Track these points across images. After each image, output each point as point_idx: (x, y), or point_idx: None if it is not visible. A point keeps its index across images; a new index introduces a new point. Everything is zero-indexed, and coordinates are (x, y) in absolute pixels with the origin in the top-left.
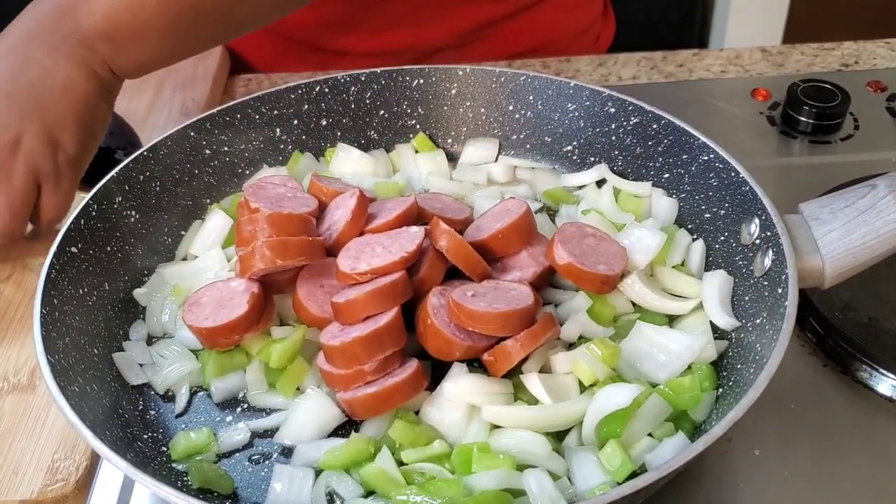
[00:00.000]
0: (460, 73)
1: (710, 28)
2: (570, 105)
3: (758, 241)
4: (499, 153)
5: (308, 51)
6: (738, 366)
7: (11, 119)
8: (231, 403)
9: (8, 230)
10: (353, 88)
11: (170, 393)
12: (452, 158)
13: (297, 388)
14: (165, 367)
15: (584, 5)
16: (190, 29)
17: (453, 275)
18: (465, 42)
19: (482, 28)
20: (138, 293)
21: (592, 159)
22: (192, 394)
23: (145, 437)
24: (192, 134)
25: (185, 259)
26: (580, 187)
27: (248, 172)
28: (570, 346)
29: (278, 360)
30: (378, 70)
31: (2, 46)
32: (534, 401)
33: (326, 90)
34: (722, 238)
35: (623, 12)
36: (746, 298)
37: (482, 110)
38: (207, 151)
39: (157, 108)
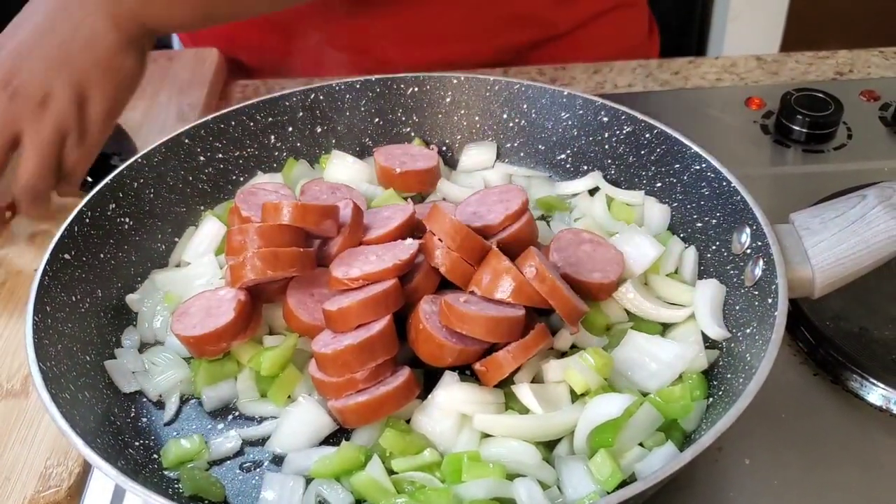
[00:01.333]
0: (454, 81)
1: (709, 35)
2: (563, 114)
3: (749, 251)
4: (495, 159)
5: (356, 55)
6: (729, 375)
7: (41, 73)
8: (222, 411)
9: (33, 183)
10: (348, 96)
11: (162, 400)
12: (447, 165)
13: (289, 397)
14: (157, 374)
15: (630, 28)
16: None
17: (446, 286)
18: (505, 61)
19: (529, 49)
20: (131, 299)
21: (586, 168)
22: (184, 402)
23: (137, 444)
24: (186, 141)
25: (178, 266)
26: (573, 195)
27: (242, 179)
28: (563, 354)
29: (269, 367)
30: (373, 78)
31: (33, 2)
32: (525, 410)
33: (321, 97)
34: (713, 247)
35: None
36: (737, 308)
37: (476, 118)
38: (202, 158)
39: (154, 113)
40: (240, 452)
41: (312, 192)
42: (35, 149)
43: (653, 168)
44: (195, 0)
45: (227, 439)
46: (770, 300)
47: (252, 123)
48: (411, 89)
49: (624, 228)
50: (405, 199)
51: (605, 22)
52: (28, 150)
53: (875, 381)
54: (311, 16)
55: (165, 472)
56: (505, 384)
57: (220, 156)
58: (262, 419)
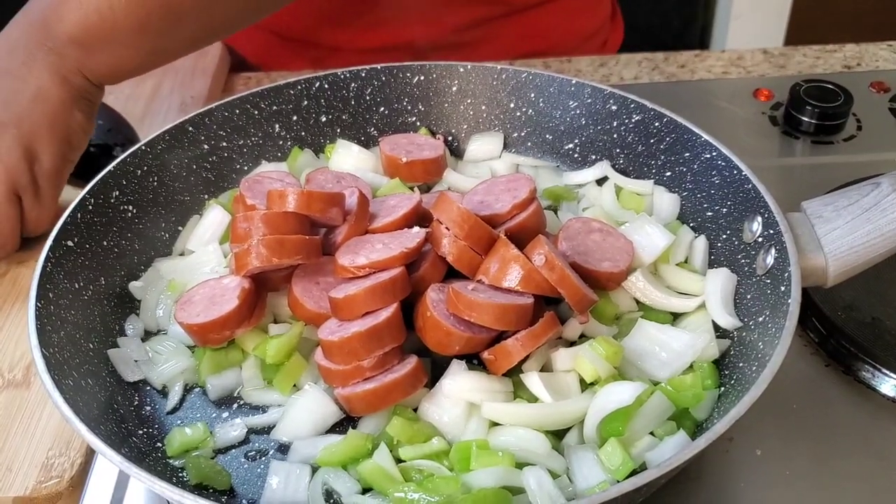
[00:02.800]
0: (461, 70)
1: (712, 33)
2: (571, 103)
3: (760, 240)
4: (502, 149)
5: (302, 47)
6: (741, 364)
7: None
8: (227, 400)
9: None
10: (353, 85)
11: (166, 389)
12: (453, 155)
13: (294, 385)
14: (161, 363)
15: (589, 9)
16: (164, 29)
17: (453, 275)
18: (465, 42)
19: (480, 26)
20: (134, 286)
21: (594, 157)
22: (188, 390)
23: (140, 432)
24: (190, 129)
25: (182, 254)
26: (581, 185)
27: (246, 168)
28: (572, 344)
29: (275, 355)
30: (378, 66)
31: None
32: (534, 399)
33: (326, 86)
34: (724, 236)
35: (624, 17)
36: (749, 297)
37: (483, 107)
38: (205, 147)
39: (156, 105)
40: (245, 441)
41: (318, 181)
42: None
43: (662, 157)
44: (140, 40)
45: (233, 427)
46: (783, 288)
47: (256, 112)
48: (417, 78)
49: (633, 218)
50: (411, 188)
51: (567, 1)
52: None
53: (887, 372)
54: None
55: (169, 461)
56: (513, 373)
57: (224, 144)
58: (267, 408)
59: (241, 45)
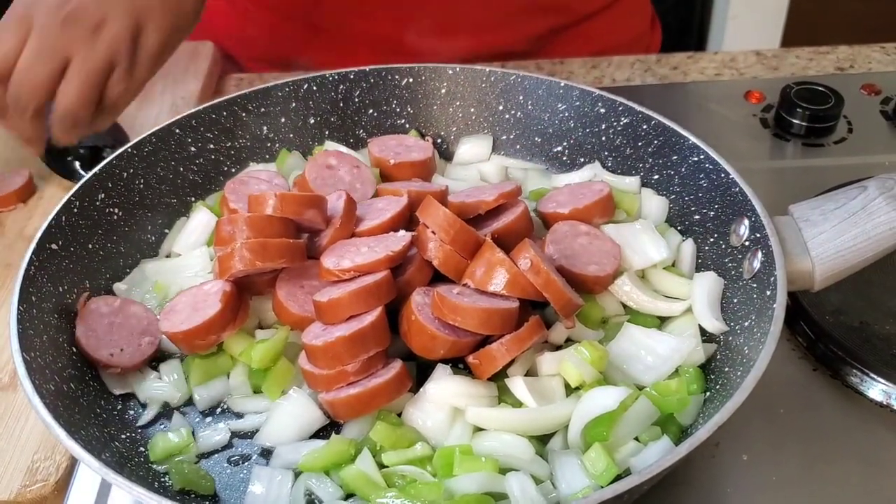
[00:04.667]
0: (450, 72)
1: (708, 34)
2: (560, 105)
3: (747, 243)
4: (491, 152)
5: (381, 53)
6: (726, 369)
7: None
8: None
9: (74, 108)
10: (341, 87)
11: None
12: (442, 158)
13: (283, 391)
14: (152, 383)
15: (635, 16)
16: None
17: (439, 279)
18: (530, 50)
19: (547, 36)
20: (118, 288)
21: (582, 160)
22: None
23: (123, 437)
24: (177, 131)
25: (168, 256)
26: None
27: (234, 170)
28: (558, 348)
29: (260, 360)
30: (367, 68)
31: None
32: (518, 403)
33: (314, 88)
34: (711, 240)
35: None
36: (735, 301)
37: (472, 110)
38: (193, 149)
39: (147, 106)
40: (228, 445)
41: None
42: (81, 74)
43: (650, 160)
44: None
45: (216, 432)
46: (769, 292)
47: (244, 114)
48: (406, 80)
49: (626, 219)
50: None
51: (615, 10)
52: (73, 74)
53: (875, 377)
54: (331, 9)
55: (153, 465)
56: (498, 377)
57: (212, 146)
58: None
59: (305, 51)
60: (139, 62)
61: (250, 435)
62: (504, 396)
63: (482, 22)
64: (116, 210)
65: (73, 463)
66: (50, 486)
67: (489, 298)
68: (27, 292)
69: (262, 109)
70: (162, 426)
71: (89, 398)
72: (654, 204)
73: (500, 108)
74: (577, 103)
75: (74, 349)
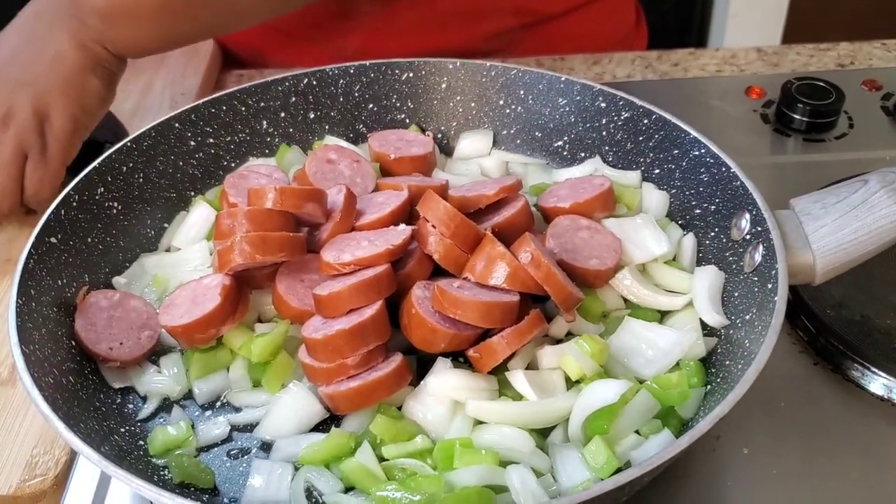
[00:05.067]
0: (450, 66)
1: (709, 32)
2: (560, 100)
3: (748, 237)
4: (492, 147)
5: (331, 54)
6: (727, 362)
7: (4, 93)
8: None
9: None
10: (341, 81)
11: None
12: (443, 153)
13: (283, 385)
14: (152, 377)
15: (616, 16)
16: (186, 11)
17: (439, 273)
18: (494, 50)
19: (508, 35)
20: (117, 282)
21: (583, 155)
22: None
23: (122, 430)
24: (176, 125)
25: (168, 250)
26: None
27: (233, 165)
28: (558, 341)
29: (260, 353)
30: (367, 63)
31: (11, 26)
32: (519, 397)
33: (314, 83)
34: (712, 234)
35: None
36: (736, 294)
37: (472, 104)
38: (192, 143)
39: (147, 101)
40: (228, 439)
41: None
42: None
43: (651, 154)
44: (162, 20)
45: (216, 425)
46: (770, 286)
47: (244, 108)
48: (406, 75)
49: (627, 213)
50: None
51: (593, 9)
52: None
53: (876, 371)
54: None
55: (152, 459)
56: (499, 371)
57: (211, 141)
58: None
59: (263, 50)
60: (49, 148)
61: (250, 428)
62: (504, 390)
63: (435, 22)
64: (116, 204)
65: (72, 457)
66: (49, 481)
67: (490, 292)
68: (26, 286)
69: (262, 104)
70: (161, 420)
71: (88, 391)
72: (655, 198)
73: (501, 102)
74: (578, 98)
75: (74, 343)
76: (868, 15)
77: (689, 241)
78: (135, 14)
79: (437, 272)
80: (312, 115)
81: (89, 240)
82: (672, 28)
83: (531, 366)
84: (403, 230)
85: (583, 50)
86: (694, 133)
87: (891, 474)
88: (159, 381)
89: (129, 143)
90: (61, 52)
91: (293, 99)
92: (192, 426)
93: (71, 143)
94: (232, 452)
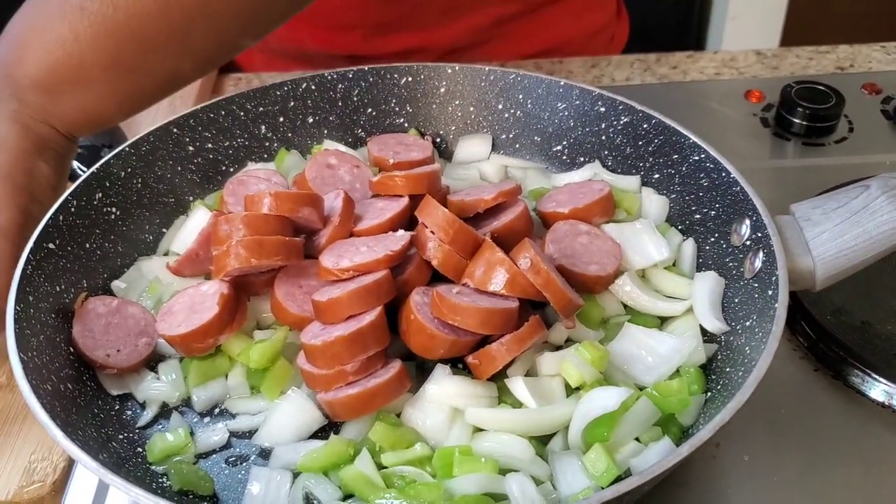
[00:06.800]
0: (449, 71)
1: (707, 34)
2: (559, 104)
3: (748, 243)
4: (491, 151)
5: (311, 57)
6: (728, 369)
7: None
8: None
9: None
10: (340, 86)
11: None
12: (442, 157)
13: (282, 392)
14: (150, 383)
15: (596, 6)
16: (138, 63)
17: (438, 278)
18: (479, 42)
19: (494, 27)
20: (116, 286)
21: (582, 159)
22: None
23: (121, 437)
24: (174, 130)
25: (166, 254)
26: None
27: (232, 170)
28: (558, 348)
29: (258, 360)
30: (366, 67)
31: None
32: (518, 404)
33: (313, 87)
34: (712, 239)
35: None
36: (736, 300)
37: (471, 109)
38: (191, 148)
39: None
40: (226, 445)
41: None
42: None
43: (650, 159)
44: (114, 78)
45: (214, 432)
46: (770, 292)
47: (242, 113)
48: (405, 79)
49: (626, 219)
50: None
51: (571, 2)
52: None
53: (877, 377)
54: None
55: (150, 466)
56: (498, 377)
57: (210, 146)
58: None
59: (247, 55)
60: None
61: (249, 435)
62: (504, 397)
63: (422, 17)
64: (114, 209)
65: (70, 463)
66: (47, 487)
67: (489, 298)
68: (24, 292)
69: (261, 108)
70: (160, 426)
71: (87, 398)
72: (655, 203)
73: (500, 107)
74: (577, 102)
75: (71, 349)
76: (867, 16)
77: (689, 246)
78: (80, 77)
79: (436, 278)
80: (311, 120)
81: (87, 245)
82: (670, 29)
83: (531, 372)
84: (402, 236)
85: (567, 40)
86: (693, 138)
87: (892, 480)
88: (158, 387)
89: (127, 149)
90: (3, 138)
91: (292, 103)
92: (192, 432)
93: (20, 237)
94: (230, 459)
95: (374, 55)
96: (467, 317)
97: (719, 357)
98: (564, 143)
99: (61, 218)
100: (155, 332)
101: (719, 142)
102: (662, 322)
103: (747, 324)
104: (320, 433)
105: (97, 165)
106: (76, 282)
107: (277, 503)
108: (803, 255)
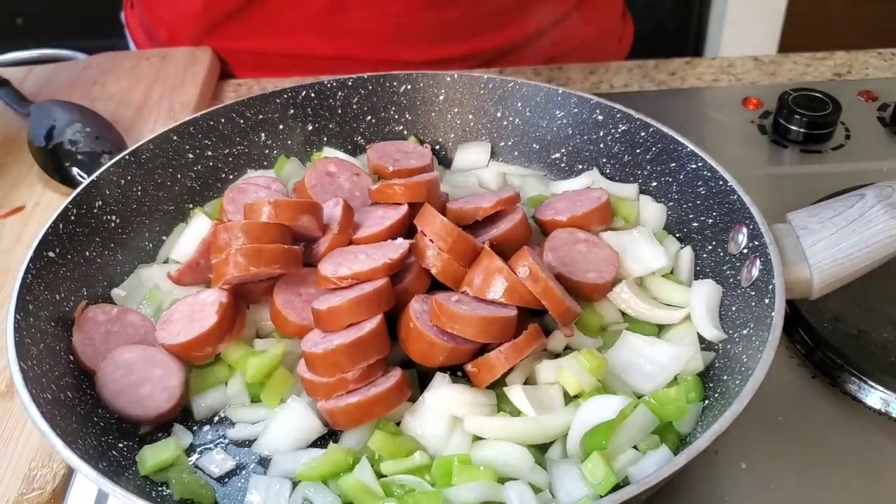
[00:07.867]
0: (448, 79)
1: (706, 39)
2: (558, 112)
3: (745, 251)
4: (490, 159)
5: (364, 63)
6: (725, 377)
7: None
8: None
9: None
10: (339, 93)
11: None
12: (441, 165)
13: (282, 400)
14: None
15: (606, 8)
16: None
17: (437, 287)
18: (509, 50)
19: (533, 33)
20: (116, 294)
21: (580, 167)
22: None
23: (121, 445)
24: (174, 138)
25: (166, 262)
26: None
27: (232, 177)
28: (556, 356)
29: (254, 374)
30: (365, 75)
31: None
32: (517, 412)
33: (312, 95)
34: (709, 247)
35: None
36: (733, 308)
37: (470, 116)
38: (190, 156)
39: (145, 113)
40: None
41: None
42: None
43: (648, 167)
44: None
45: (218, 464)
46: (767, 300)
47: (242, 121)
48: (404, 87)
49: (624, 226)
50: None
51: (580, 9)
52: None
53: (874, 384)
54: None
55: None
56: (497, 385)
57: (210, 153)
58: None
59: (297, 63)
60: None
61: (247, 444)
62: (503, 405)
63: (468, 27)
64: (114, 217)
65: (70, 471)
66: (47, 495)
67: (487, 306)
68: (24, 301)
69: (260, 116)
70: (161, 434)
71: (87, 407)
72: (653, 211)
73: (499, 114)
74: (575, 110)
75: (71, 357)
76: (864, 22)
77: (687, 254)
78: None
79: (436, 286)
80: (311, 128)
81: (87, 253)
82: (669, 35)
83: (529, 380)
84: (401, 244)
85: (582, 43)
86: (691, 146)
87: (888, 487)
88: None
89: (126, 156)
90: None
91: (291, 111)
92: (193, 447)
93: None
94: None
95: (415, 61)
96: (466, 325)
97: (717, 365)
98: (563, 150)
99: (61, 226)
100: (155, 340)
101: (717, 149)
102: (660, 329)
103: (744, 332)
104: (320, 442)
105: (97, 173)
106: (76, 290)
107: None
108: (800, 263)
